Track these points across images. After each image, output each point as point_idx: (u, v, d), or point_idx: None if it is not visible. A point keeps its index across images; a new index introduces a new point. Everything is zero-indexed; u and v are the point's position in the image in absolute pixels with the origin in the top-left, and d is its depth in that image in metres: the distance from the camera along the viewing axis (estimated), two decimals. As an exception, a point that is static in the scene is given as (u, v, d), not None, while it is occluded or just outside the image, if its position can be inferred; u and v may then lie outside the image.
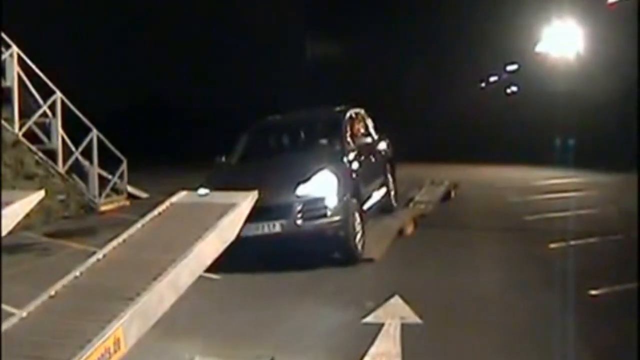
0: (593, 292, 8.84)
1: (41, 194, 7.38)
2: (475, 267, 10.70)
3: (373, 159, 13.46)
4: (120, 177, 17.81)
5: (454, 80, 53.96)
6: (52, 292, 4.78)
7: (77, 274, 5.00)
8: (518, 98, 53.46)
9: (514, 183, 21.90)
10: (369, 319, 7.99)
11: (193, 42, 45.54)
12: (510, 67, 53.17)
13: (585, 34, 32.57)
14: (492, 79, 61.45)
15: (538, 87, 41.58)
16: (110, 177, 17.51)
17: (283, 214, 10.30)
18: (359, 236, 10.93)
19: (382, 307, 8.32)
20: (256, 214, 8.66)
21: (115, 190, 17.69)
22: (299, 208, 10.36)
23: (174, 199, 6.16)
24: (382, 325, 7.65)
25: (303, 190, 10.52)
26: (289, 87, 43.18)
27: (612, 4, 28.33)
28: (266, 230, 10.20)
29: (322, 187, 10.59)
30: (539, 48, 38.12)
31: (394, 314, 8.03)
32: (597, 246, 11.81)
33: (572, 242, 11.72)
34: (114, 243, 5.39)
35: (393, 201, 14.70)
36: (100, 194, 16.97)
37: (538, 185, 20.96)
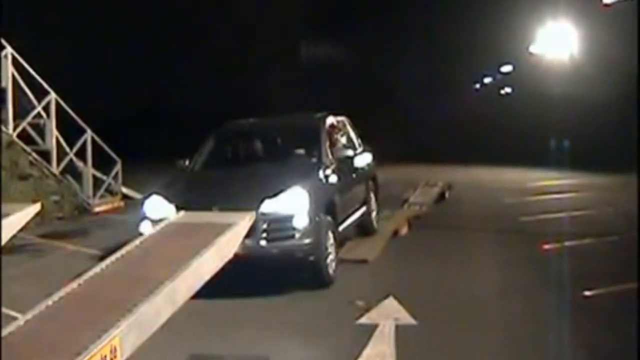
0: (587, 293, 8.85)
1: (37, 206, 7.47)
2: (470, 268, 10.70)
3: (354, 175, 12.00)
4: (115, 178, 17.80)
5: (449, 82, 54.12)
6: (50, 302, 4.82)
7: (75, 285, 5.06)
8: (512, 99, 53.63)
9: (509, 184, 21.92)
10: (363, 320, 7.99)
11: (188, 45, 45.53)
12: (504, 69, 53.25)
13: (580, 35, 32.64)
14: (487, 80, 61.60)
15: (532, 88, 41.71)
16: (104, 178, 17.49)
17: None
18: (330, 258, 9.72)
19: (376, 308, 8.33)
20: None
21: (110, 191, 17.67)
22: (263, 227, 9.02)
23: (173, 218, 6.37)
24: (376, 326, 7.67)
25: (269, 206, 9.18)
26: (283, 89, 43.20)
27: (606, 5, 28.37)
28: None
29: (292, 204, 9.32)
30: (533, 49, 38.19)
31: (388, 315, 8.04)
32: (592, 247, 11.84)
33: (567, 243, 11.75)
34: (112, 258, 5.49)
35: (374, 223, 12.97)
36: (94, 195, 16.95)
37: (533, 186, 20.98)
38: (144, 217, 9.37)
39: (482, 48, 49.99)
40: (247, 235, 8.20)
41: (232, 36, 46.58)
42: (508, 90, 57.91)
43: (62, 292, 4.94)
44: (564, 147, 26.87)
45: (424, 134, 39.77)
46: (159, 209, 9.28)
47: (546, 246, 11.72)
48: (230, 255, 5.75)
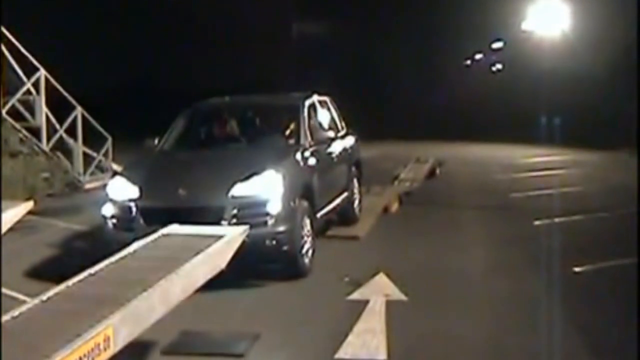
0: (577, 269, 8.90)
1: (30, 204, 7.51)
2: (460, 244, 10.74)
3: (335, 158, 11.23)
4: (105, 155, 17.75)
5: (439, 59, 53.99)
6: (44, 298, 5.04)
7: (70, 284, 5.29)
8: (503, 76, 53.60)
9: (499, 161, 22.00)
10: (354, 296, 8.02)
11: (180, 23, 45.28)
12: (495, 45, 53.16)
13: (571, 11, 32.53)
14: (478, 56, 61.52)
15: (523, 65, 41.65)
16: (95, 155, 17.44)
17: (212, 218, 8.22)
18: (306, 248, 9.01)
19: (366, 284, 8.36)
20: (179, 215, 8.06)
21: (100, 168, 17.62)
22: (232, 213, 8.34)
23: (165, 230, 6.55)
24: (367, 302, 7.70)
25: (240, 190, 8.51)
26: (275, 68, 43.07)
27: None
28: None
29: (264, 188, 8.57)
30: (524, 26, 38.09)
31: (379, 291, 8.07)
32: (582, 224, 11.89)
33: (557, 220, 11.80)
34: (106, 262, 5.75)
35: (356, 211, 12.13)
36: (85, 172, 16.91)
37: (523, 163, 21.05)
38: (108, 199, 8.91)
39: (473, 25, 49.83)
40: (213, 222, 8.08)
41: (224, 15, 46.32)
42: (499, 66, 57.91)
43: (57, 289, 5.18)
44: (554, 124, 26.93)
45: (415, 110, 39.74)
46: (122, 191, 8.85)
47: (536, 222, 11.77)
48: (223, 265, 5.98)
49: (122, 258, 5.95)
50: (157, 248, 6.22)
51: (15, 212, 7.40)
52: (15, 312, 4.71)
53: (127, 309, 4.61)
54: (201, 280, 5.65)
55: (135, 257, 6.02)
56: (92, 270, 5.58)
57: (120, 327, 4.44)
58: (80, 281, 5.38)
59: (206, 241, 5.98)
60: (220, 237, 6.12)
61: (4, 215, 7.02)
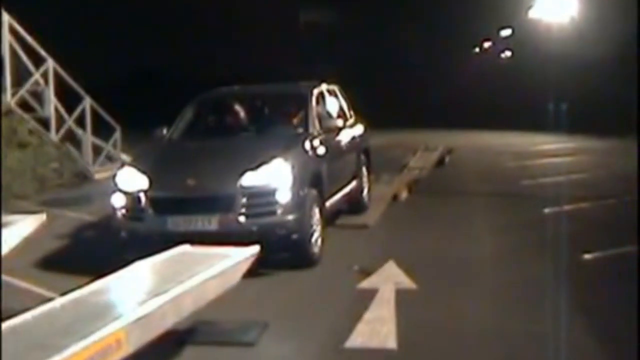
0: (586, 256, 8.89)
1: (42, 217, 7.56)
2: (470, 231, 10.74)
3: (344, 147, 11.23)
4: (114, 145, 17.78)
5: (448, 47, 53.77)
6: (61, 301, 5.31)
7: (85, 290, 5.55)
8: (512, 63, 53.37)
9: (509, 148, 21.96)
10: (363, 284, 8.02)
11: (189, 11, 45.28)
12: (504, 32, 52.92)
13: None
14: (487, 44, 61.25)
15: (532, 52, 41.49)
16: (104, 145, 17.48)
17: (222, 208, 8.38)
18: (315, 236, 9.00)
19: (376, 272, 8.36)
20: (188, 205, 8.45)
21: (109, 158, 17.65)
22: (242, 202, 8.37)
23: (177, 250, 6.75)
24: (376, 290, 7.70)
25: (250, 180, 8.48)
26: (282, 57, 43.02)
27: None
28: (199, 226, 8.38)
29: (274, 177, 8.55)
30: (532, 13, 37.94)
31: (388, 280, 8.07)
32: (591, 210, 11.87)
33: (566, 207, 11.78)
34: (119, 273, 6.03)
35: (365, 199, 12.14)
36: (94, 162, 16.94)
37: (532, 150, 21.02)
38: (117, 189, 8.87)
39: (482, 12, 49.62)
40: (223, 211, 8.33)
41: (232, 5, 46.27)
42: (508, 54, 57.67)
43: (74, 294, 5.43)
44: (563, 111, 26.85)
45: (424, 99, 39.65)
46: (131, 181, 8.81)
47: (546, 210, 11.75)
48: (233, 283, 6.17)
49: (135, 269, 6.19)
50: (170, 263, 6.41)
51: (27, 223, 7.48)
52: (33, 312, 4.93)
53: (139, 314, 4.77)
54: (212, 295, 5.83)
55: (148, 270, 6.26)
56: (105, 278, 5.84)
57: (132, 331, 4.58)
58: (95, 287, 5.64)
59: (217, 259, 6.16)
60: (230, 256, 6.28)
61: (14, 227, 7.13)
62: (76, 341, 4.18)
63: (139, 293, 5.49)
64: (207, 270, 5.84)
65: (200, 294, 5.65)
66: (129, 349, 4.54)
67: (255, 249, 6.50)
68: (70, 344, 4.14)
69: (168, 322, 5.15)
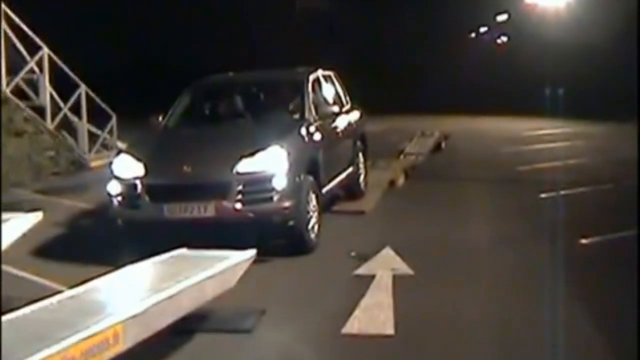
0: (584, 241, 8.90)
1: (39, 215, 7.55)
2: (467, 217, 10.73)
3: (340, 133, 11.17)
4: (110, 132, 17.73)
5: (444, 32, 53.66)
6: (61, 297, 5.44)
7: (85, 287, 5.70)
8: (509, 48, 53.29)
9: (505, 133, 21.96)
10: (360, 270, 8.02)
11: (182, 0, 45.15)
12: (500, 17, 52.85)
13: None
14: (483, 29, 61.14)
15: (528, 37, 41.41)
16: (99, 132, 17.42)
17: (218, 195, 8.37)
18: (311, 223, 9.00)
19: (373, 258, 8.36)
20: (184, 192, 8.46)
21: (105, 146, 17.61)
22: (238, 188, 8.34)
23: (175, 252, 6.79)
24: (373, 276, 7.70)
25: (246, 166, 8.47)
26: (277, 43, 42.89)
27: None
28: (195, 213, 8.35)
29: (270, 164, 8.53)
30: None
31: (386, 265, 8.07)
32: (588, 195, 11.87)
33: (563, 192, 11.77)
34: (119, 272, 6.18)
35: (362, 185, 12.10)
36: (90, 150, 16.89)
37: (529, 135, 21.01)
38: (113, 177, 8.84)
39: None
40: (219, 198, 8.33)
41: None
42: (504, 39, 57.58)
43: (73, 290, 5.59)
44: (559, 96, 26.81)
45: (420, 84, 39.57)
46: (127, 168, 8.79)
47: (543, 195, 11.74)
48: (231, 285, 6.27)
49: (133, 270, 6.31)
50: (168, 264, 6.49)
51: (23, 222, 7.48)
52: (32, 307, 5.07)
53: (137, 310, 4.89)
54: (209, 295, 5.96)
55: (146, 270, 6.37)
56: (103, 277, 5.98)
57: (130, 326, 4.70)
58: (93, 285, 5.76)
59: (215, 262, 6.25)
60: (228, 259, 6.37)
61: (11, 224, 7.14)
62: (74, 334, 4.29)
63: (137, 291, 5.65)
64: (205, 272, 5.93)
65: (198, 293, 5.77)
66: (127, 343, 4.65)
67: (252, 252, 6.54)
68: (69, 337, 4.24)
69: (167, 320, 5.26)
